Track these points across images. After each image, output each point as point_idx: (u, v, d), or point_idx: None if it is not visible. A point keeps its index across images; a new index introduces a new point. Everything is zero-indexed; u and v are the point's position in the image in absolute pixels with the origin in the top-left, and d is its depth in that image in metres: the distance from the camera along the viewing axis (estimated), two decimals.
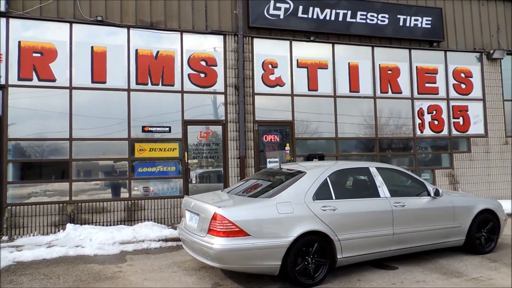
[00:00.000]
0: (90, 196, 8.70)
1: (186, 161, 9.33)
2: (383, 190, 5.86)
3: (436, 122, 11.46)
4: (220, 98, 9.72)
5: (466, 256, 6.46)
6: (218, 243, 4.82)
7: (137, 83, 9.03)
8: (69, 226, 8.20)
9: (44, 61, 8.41)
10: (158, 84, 9.17)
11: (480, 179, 11.75)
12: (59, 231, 8.30)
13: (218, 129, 9.74)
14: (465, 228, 6.39)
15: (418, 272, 5.68)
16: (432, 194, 6.16)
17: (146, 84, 9.09)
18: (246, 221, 4.89)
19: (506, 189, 11.92)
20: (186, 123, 9.37)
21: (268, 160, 10.06)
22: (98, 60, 8.77)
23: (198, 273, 5.75)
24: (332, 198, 5.46)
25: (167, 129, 9.25)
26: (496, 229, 6.71)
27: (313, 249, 5.17)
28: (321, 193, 5.43)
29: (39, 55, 8.39)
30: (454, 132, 11.63)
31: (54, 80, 8.46)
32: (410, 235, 5.86)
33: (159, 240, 7.71)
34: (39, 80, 8.36)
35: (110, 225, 8.62)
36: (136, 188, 9.02)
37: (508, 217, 7.77)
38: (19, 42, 8.30)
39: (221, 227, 4.85)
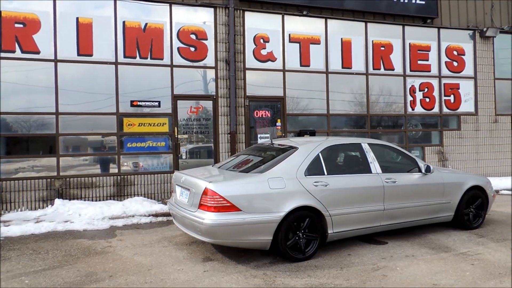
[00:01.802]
0: (78, 171, 8.58)
1: (176, 136, 9.21)
2: (375, 166, 5.85)
3: (427, 100, 11.46)
4: (211, 73, 9.55)
5: (454, 231, 6.54)
6: (209, 218, 4.78)
7: (125, 56, 8.80)
8: (57, 201, 8.11)
9: (27, 32, 8.12)
10: (146, 58, 8.96)
11: (469, 156, 11.86)
12: (47, 206, 8.21)
13: (209, 104, 9.60)
14: (454, 204, 6.45)
15: (407, 246, 5.73)
16: (423, 171, 6.17)
17: (134, 58, 8.87)
18: (237, 196, 4.84)
19: (494, 167, 12.07)
20: (176, 98, 9.21)
21: (259, 135, 9.99)
22: (84, 32, 8.50)
23: (189, 247, 5.73)
24: (324, 174, 5.43)
25: (157, 103, 9.09)
26: (484, 205, 6.79)
27: (304, 224, 5.17)
28: (313, 169, 5.39)
29: (21, 26, 8.10)
30: (445, 109, 11.64)
31: (38, 52, 8.19)
32: (401, 210, 5.89)
33: (149, 215, 7.67)
34: (22, 52, 8.09)
35: (100, 200, 8.55)
36: (125, 163, 8.91)
37: (496, 193, 7.87)
38: (0, 12, 7.97)
39: (212, 202, 4.80)
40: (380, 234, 6.19)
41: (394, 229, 6.02)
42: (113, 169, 8.79)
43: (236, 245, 5.08)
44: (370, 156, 5.90)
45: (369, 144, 6.05)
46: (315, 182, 5.28)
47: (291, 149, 5.60)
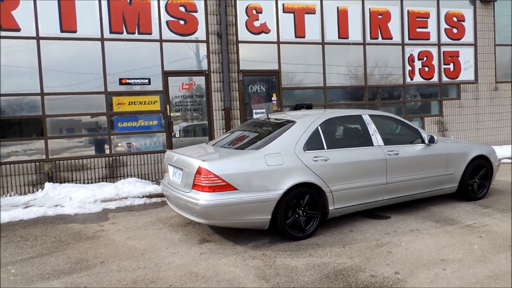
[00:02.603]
0: (68, 154, 8.28)
1: (168, 114, 8.89)
2: (377, 138, 5.58)
3: (426, 69, 11.12)
4: (202, 47, 9.15)
5: (458, 203, 6.34)
6: (204, 198, 4.52)
7: (111, 32, 8.37)
8: (47, 185, 7.84)
9: (5, 8, 7.66)
10: (134, 33, 8.53)
11: (469, 125, 11.62)
12: (37, 190, 7.95)
13: (201, 80, 9.24)
14: (458, 175, 6.23)
15: (411, 220, 5.53)
16: (426, 141, 5.91)
17: (121, 33, 8.44)
18: (233, 175, 4.58)
19: (494, 135, 11.86)
20: (166, 74, 8.84)
21: (254, 111, 9.68)
22: (66, 7, 8.03)
23: (184, 229, 5.50)
24: (323, 148, 5.16)
25: (147, 81, 8.72)
26: (488, 175, 6.58)
27: (304, 201, 4.93)
28: (312, 143, 5.12)
29: None
30: (444, 78, 11.33)
31: (18, 30, 7.75)
32: (404, 183, 5.66)
33: (143, 197, 7.43)
34: (1, 29, 7.64)
35: (92, 182, 8.29)
36: (117, 144, 8.61)
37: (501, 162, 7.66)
38: None
39: (207, 181, 4.53)
40: (382, 209, 5.98)
41: (397, 203, 5.80)
42: (104, 150, 8.50)
43: (233, 226, 4.84)
44: (372, 128, 5.62)
45: (370, 115, 5.76)
46: (315, 157, 5.01)
47: (289, 123, 5.31)
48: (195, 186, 4.67)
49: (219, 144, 5.72)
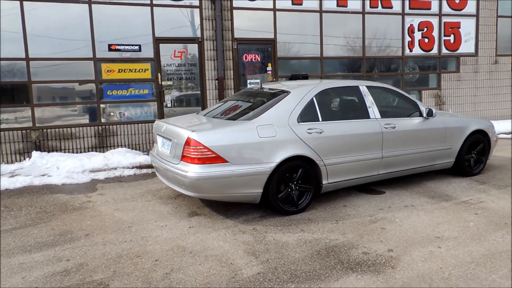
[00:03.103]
0: (56, 122, 8.03)
1: (160, 83, 8.61)
2: (373, 110, 5.39)
3: (426, 40, 10.81)
4: (195, 13, 8.78)
5: (454, 178, 6.22)
6: (193, 170, 4.34)
7: None
8: (34, 154, 7.63)
9: None
10: None
11: (467, 99, 11.43)
12: (24, 159, 7.75)
13: (194, 48, 8.91)
14: (455, 149, 6.08)
15: (406, 196, 5.41)
16: (424, 115, 5.73)
17: None
18: (223, 146, 4.39)
19: (493, 110, 11.72)
20: (157, 41, 8.50)
21: (248, 81, 9.41)
22: None
23: (174, 201, 5.35)
24: (318, 120, 4.97)
25: (137, 47, 8.39)
26: (486, 151, 6.45)
27: (297, 175, 4.77)
28: (307, 115, 4.92)
29: None
30: (444, 51, 11.04)
31: None
32: (400, 158, 5.51)
33: (132, 167, 7.25)
34: None
35: (81, 152, 8.09)
36: (106, 113, 8.36)
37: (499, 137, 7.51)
38: None
39: (196, 153, 4.35)
40: (377, 183, 5.85)
41: (392, 177, 5.67)
42: (93, 118, 8.25)
43: (223, 199, 4.69)
44: (369, 100, 5.42)
45: (367, 86, 5.54)
46: (309, 129, 4.82)
47: (283, 93, 5.09)
48: (184, 157, 4.49)
49: (211, 114, 5.50)
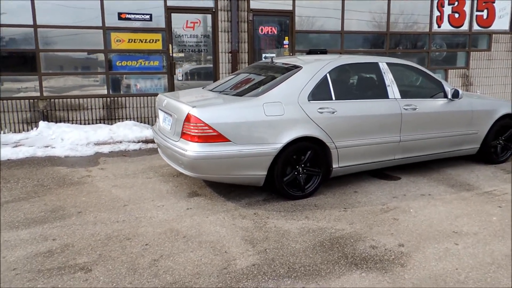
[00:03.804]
0: (64, 92, 7.83)
1: (171, 54, 8.26)
2: (393, 90, 4.95)
3: (456, 15, 10.09)
4: None
5: (477, 165, 5.77)
6: (192, 149, 4.04)
7: None
8: (41, 124, 7.47)
9: None
10: None
11: (497, 80, 10.73)
12: (32, 129, 7.60)
13: (207, 18, 8.50)
14: (481, 135, 5.60)
15: (423, 183, 5.01)
16: (449, 96, 5.25)
17: None
18: (226, 124, 4.06)
19: None
20: (169, 10, 8.11)
21: (264, 55, 8.98)
22: None
23: (175, 180, 5.10)
24: (331, 99, 4.57)
25: (148, 16, 8.03)
26: None
27: (305, 157, 4.43)
28: (319, 93, 4.53)
29: None
30: (475, 27, 10.30)
31: None
32: (419, 142, 5.08)
33: (138, 142, 7.02)
34: None
35: (89, 123, 7.89)
36: (115, 84, 8.10)
37: None
38: None
39: (196, 130, 4.03)
40: (393, 168, 5.46)
41: (409, 163, 5.26)
42: (102, 90, 8.01)
43: (223, 181, 4.39)
44: (388, 78, 4.97)
45: (388, 63, 5.08)
46: (320, 108, 4.44)
47: (294, 68, 4.69)
48: (183, 135, 4.19)
49: (218, 89, 5.16)
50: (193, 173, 4.19)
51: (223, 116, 4.09)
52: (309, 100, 4.42)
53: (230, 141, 4.07)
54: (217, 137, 4.04)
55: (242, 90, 4.76)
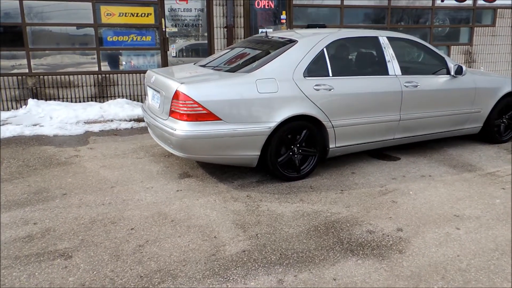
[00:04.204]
0: (53, 69, 7.56)
1: (164, 29, 7.95)
2: (393, 66, 4.71)
3: None
4: None
5: (480, 145, 5.58)
6: (181, 128, 3.83)
7: None
8: (30, 101, 7.23)
9: None
10: None
11: (501, 57, 10.43)
12: (21, 107, 7.36)
13: None
14: (485, 113, 5.39)
15: (423, 164, 4.83)
16: (452, 73, 5.01)
17: None
18: (216, 102, 3.84)
19: None
20: None
21: (260, 30, 8.65)
22: None
23: (166, 160, 4.91)
24: (328, 75, 4.33)
25: None
26: None
27: (300, 137, 4.22)
28: (315, 69, 4.29)
29: None
30: (480, 1, 9.93)
31: None
32: (420, 121, 4.87)
33: (130, 120, 6.80)
34: None
35: (80, 101, 7.65)
36: (106, 60, 7.82)
37: None
38: None
39: (185, 108, 3.82)
40: (392, 148, 5.27)
41: (409, 142, 5.06)
42: (92, 66, 7.74)
43: (214, 162, 4.20)
44: (389, 54, 4.72)
45: (388, 38, 4.82)
46: (317, 85, 4.21)
47: (290, 43, 4.44)
48: (172, 113, 3.97)
49: (210, 64, 4.91)
50: (183, 154, 3.99)
51: (213, 94, 3.87)
52: (304, 77, 4.19)
53: (221, 119, 3.86)
54: (207, 116, 3.83)
55: (234, 66, 4.52)
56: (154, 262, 2.80)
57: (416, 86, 4.76)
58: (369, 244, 3.02)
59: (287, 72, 4.13)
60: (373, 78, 4.59)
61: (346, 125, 4.38)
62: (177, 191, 4.02)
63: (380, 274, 2.66)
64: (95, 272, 2.68)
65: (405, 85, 4.69)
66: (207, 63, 4.98)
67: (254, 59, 4.48)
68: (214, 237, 3.14)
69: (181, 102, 3.83)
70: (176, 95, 3.86)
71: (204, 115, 3.83)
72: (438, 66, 5.06)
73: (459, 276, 2.64)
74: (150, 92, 4.63)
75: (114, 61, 7.89)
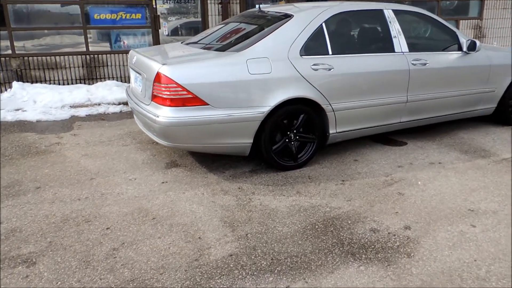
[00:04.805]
0: (38, 50, 7.13)
1: (154, 6, 7.47)
2: (400, 42, 4.27)
3: None
4: None
5: (493, 127, 5.18)
6: (164, 114, 3.45)
7: None
8: (15, 84, 6.82)
9: None
10: None
11: None
12: (6, 90, 6.97)
13: None
14: (499, 92, 4.97)
15: (432, 149, 4.45)
16: (464, 49, 4.58)
17: None
18: (203, 85, 3.44)
19: None
20: None
21: (257, 6, 8.13)
22: None
23: (154, 148, 4.54)
24: (327, 53, 3.91)
25: None
26: None
27: (298, 122, 3.84)
28: (313, 46, 3.87)
29: None
30: None
31: None
32: (429, 102, 4.47)
33: (119, 104, 6.41)
34: None
35: (67, 83, 7.24)
36: (94, 40, 7.39)
37: None
38: None
39: (167, 92, 3.42)
40: (397, 132, 4.88)
41: (417, 126, 4.67)
42: (80, 46, 7.30)
43: (201, 151, 3.82)
44: (395, 29, 4.28)
45: (394, 11, 4.37)
46: (315, 64, 3.80)
47: (285, 18, 4.00)
48: (154, 97, 3.58)
49: (200, 42, 4.48)
50: (167, 142, 3.62)
51: (199, 75, 3.46)
52: (301, 55, 3.77)
53: (208, 104, 3.47)
54: (193, 100, 3.44)
55: (225, 44, 4.09)
56: (128, 269, 2.46)
57: (425, 64, 4.33)
58: (373, 246, 2.67)
59: (281, 50, 3.71)
60: (378, 56, 4.16)
61: (347, 108, 3.98)
62: (162, 183, 3.67)
63: (386, 283, 2.31)
64: (59, 283, 2.34)
65: (412, 63, 4.26)
66: (197, 41, 4.56)
67: (246, 36, 4.05)
68: (199, 237, 2.79)
69: (163, 85, 3.43)
70: (158, 77, 3.46)
71: (189, 99, 3.44)
72: (449, 41, 4.61)
73: (478, 286, 2.29)
74: (132, 74, 4.23)
75: (103, 41, 7.45)
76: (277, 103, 3.62)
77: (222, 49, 3.95)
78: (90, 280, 2.36)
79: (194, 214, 3.11)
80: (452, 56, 4.56)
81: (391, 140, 4.72)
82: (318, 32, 3.88)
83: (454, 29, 4.72)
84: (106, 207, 3.22)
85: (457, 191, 3.45)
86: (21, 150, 4.51)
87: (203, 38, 4.58)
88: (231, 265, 2.49)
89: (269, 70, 3.61)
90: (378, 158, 4.20)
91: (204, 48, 4.17)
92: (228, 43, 4.05)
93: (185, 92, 3.41)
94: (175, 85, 3.39)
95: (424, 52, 4.42)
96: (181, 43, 4.75)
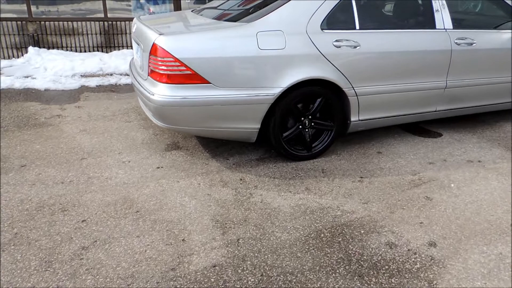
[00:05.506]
0: (55, 14, 6.84)
1: None
2: (443, 17, 3.63)
3: None
4: None
5: None
6: (160, 92, 3.03)
7: None
8: (31, 50, 6.60)
9: None
10: None
11: None
12: (22, 55, 6.76)
13: None
14: None
15: (472, 143, 3.85)
16: None
17: None
18: (203, 60, 2.98)
19: None
20: None
21: None
22: None
23: (158, 126, 4.14)
24: (354, 28, 3.35)
25: None
26: None
27: (314, 106, 3.34)
28: (337, 19, 3.31)
29: None
30: None
31: None
32: (472, 89, 3.84)
33: None
34: None
35: (85, 51, 6.96)
36: (113, 5, 7.00)
37: None
38: None
39: (164, 67, 2.99)
40: (432, 121, 4.28)
41: (455, 115, 4.06)
42: (98, 12, 6.95)
43: (202, 135, 3.38)
44: (437, 2, 3.63)
45: None
46: (338, 40, 3.25)
47: None
48: (151, 72, 3.16)
49: (211, 12, 3.99)
50: (163, 123, 3.21)
51: (200, 49, 3.00)
52: (322, 29, 3.23)
53: (210, 83, 3.02)
54: (193, 78, 3.00)
55: (239, 14, 3.59)
56: (92, 276, 2.11)
57: (471, 44, 3.68)
58: (386, 267, 2.20)
59: (299, 22, 3.18)
60: (414, 33, 3.55)
61: (373, 93, 3.43)
62: (157, 168, 3.29)
63: None
64: None
65: (456, 42, 3.63)
66: (209, 9, 4.07)
67: (261, 5, 3.52)
68: (183, 240, 2.40)
69: (159, 58, 3.00)
70: (154, 49, 3.02)
71: (188, 76, 2.99)
72: (503, 18, 3.92)
73: None
74: (134, 45, 3.81)
75: (122, 6, 7.06)
76: (290, 84, 3.12)
77: (235, 19, 3.45)
78: (45, 287, 2.03)
79: (184, 209, 2.71)
80: (504, 35, 3.87)
81: (424, 130, 4.14)
82: (345, 2, 3.30)
83: (510, 3, 4.00)
84: (89, 194, 2.88)
85: (498, 199, 2.89)
86: (19, 121, 4.24)
87: (221, 5, 4.08)
88: (212, 280, 2.09)
89: (282, 46, 3.10)
90: (406, 151, 3.65)
91: (215, 18, 3.68)
92: (243, 12, 3.54)
93: (183, 68, 2.97)
94: (172, 59, 2.95)
95: (471, 30, 3.76)
96: (191, 11, 4.28)
